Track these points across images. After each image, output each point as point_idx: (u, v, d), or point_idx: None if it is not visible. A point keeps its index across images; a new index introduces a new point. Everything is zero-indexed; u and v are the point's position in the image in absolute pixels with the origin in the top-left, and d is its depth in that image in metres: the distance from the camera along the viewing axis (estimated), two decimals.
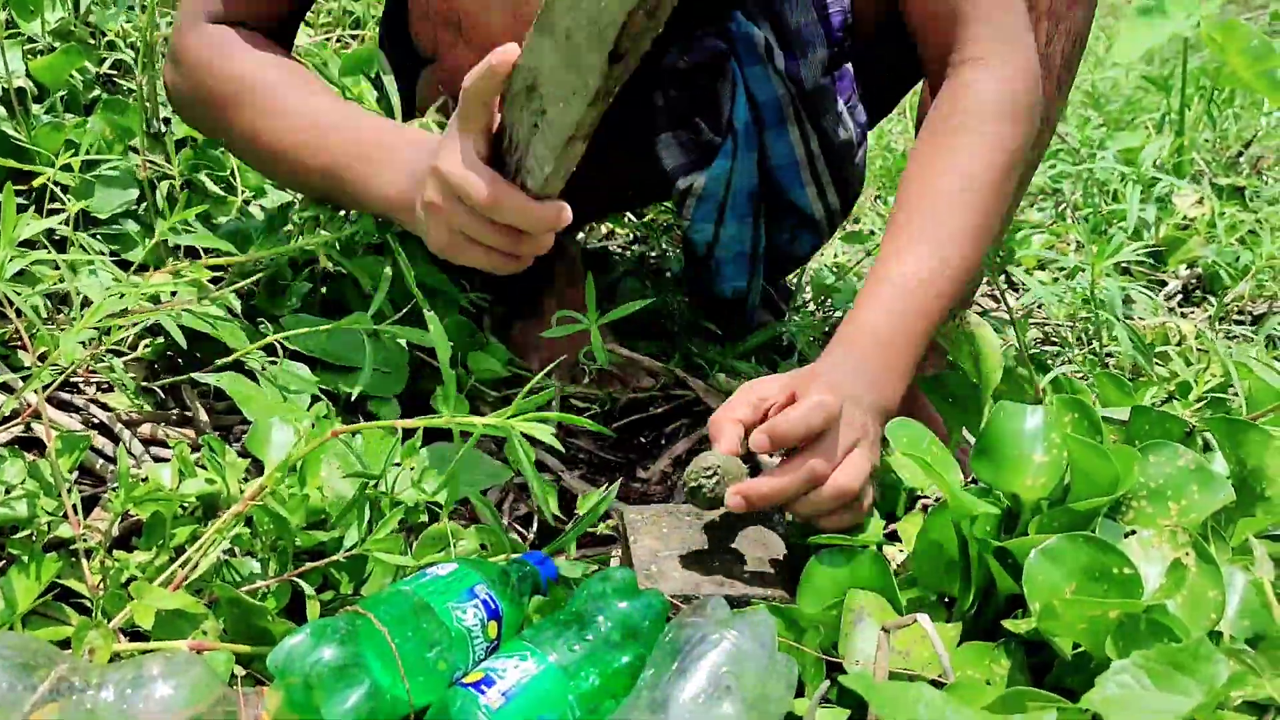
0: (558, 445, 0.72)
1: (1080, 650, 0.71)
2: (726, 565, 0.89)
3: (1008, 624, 0.75)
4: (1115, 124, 2.79)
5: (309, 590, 0.84)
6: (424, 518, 0.98)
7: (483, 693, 0.68)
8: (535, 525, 1.10)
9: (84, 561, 0.82)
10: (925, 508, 1.02)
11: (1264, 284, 1.94)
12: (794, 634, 0.78)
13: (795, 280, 1.64)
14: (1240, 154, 2.71)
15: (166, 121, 1.40)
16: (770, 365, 1.43)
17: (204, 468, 0.94)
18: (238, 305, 1.08)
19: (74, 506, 0.83)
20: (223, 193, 1.28)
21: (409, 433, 1.01)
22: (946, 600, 0.88)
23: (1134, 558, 0.74)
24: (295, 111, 1.05)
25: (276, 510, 0.84)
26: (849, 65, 1.26)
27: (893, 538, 0.94)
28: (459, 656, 0.71)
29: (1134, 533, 0.79)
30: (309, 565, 0.85)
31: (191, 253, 1.18)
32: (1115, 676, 0.59)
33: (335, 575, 0.88)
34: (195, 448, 1.06)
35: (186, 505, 0.91)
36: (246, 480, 0.92)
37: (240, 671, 0.79)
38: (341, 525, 0.88)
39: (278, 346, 1.08)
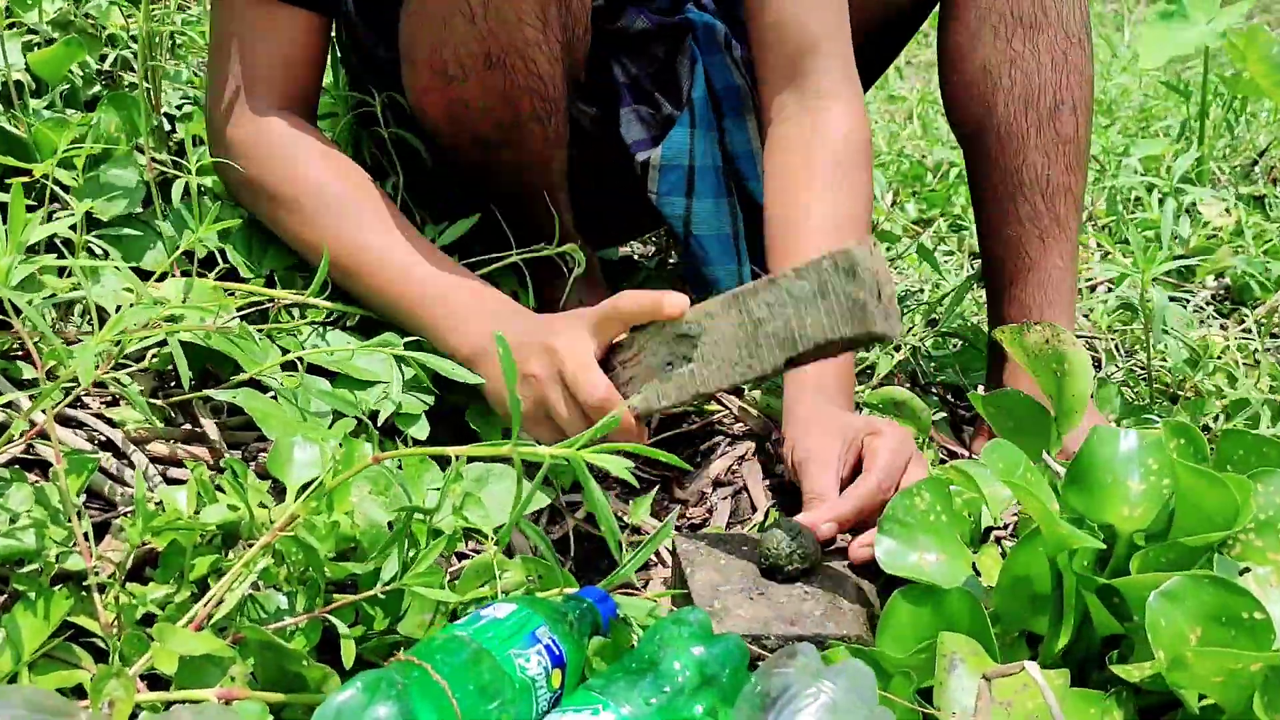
0: (632, 479, 0.65)
1: (1207, 703, 0.65)
2: (795, 601, 0.82)
3: (1119, 669, 0.69)
4: (1128, 132, 2.75)
5: (343, 629, 0.76)
6: (460, 545, 0.91)
7: None
8: (572, 551, 1.03)
9: (96, 597, 0.75)
10: (999, 540, 0.95)
11: None
12: (880, 680, 0.71)
13: None
14: (1255, 163, 2.67)
15: (171, 119, 1.33)
16: None
17: (223, 491, 0.87)
18: (255, 334, 1.01)
19: (85, 535, 0.76)
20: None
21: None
22: (1029, 637, 0.82)
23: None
24: (364, 240, 1.05)
25: (306, 540, 0.77)
26: None
27: None
28: (523, 710, 0.64)
29: (1247, 570, 0.73)
30: (341, 600, 0.78)
31: (205, 259, 1.11)
32: None
33: (369, 610, 0.81)
34: (212, 468, 0.99)
35: (205, 534, 0.84)
36: (266, 507, 0.85)
37: None
38: (374, 555, 0.81)
39: (297, 360, 1.01)
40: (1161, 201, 1.89)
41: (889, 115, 3.21)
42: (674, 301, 0.88)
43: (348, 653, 0.75)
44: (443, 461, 1.03)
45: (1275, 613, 0.68)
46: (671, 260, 1.72)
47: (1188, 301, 1.94)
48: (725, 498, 1.13)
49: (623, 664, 0.67)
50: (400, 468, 0.90)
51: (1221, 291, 2.03)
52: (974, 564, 0.86)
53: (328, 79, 1.32)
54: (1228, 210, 2.13)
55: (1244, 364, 1.52)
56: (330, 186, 1.06)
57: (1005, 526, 0.98)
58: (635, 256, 1.79)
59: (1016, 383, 1.18)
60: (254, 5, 1.08)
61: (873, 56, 1.42)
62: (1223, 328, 1.73)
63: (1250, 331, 1.70)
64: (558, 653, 0.67)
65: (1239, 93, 2.47)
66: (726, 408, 1.22)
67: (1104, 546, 0.72)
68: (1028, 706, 0.68)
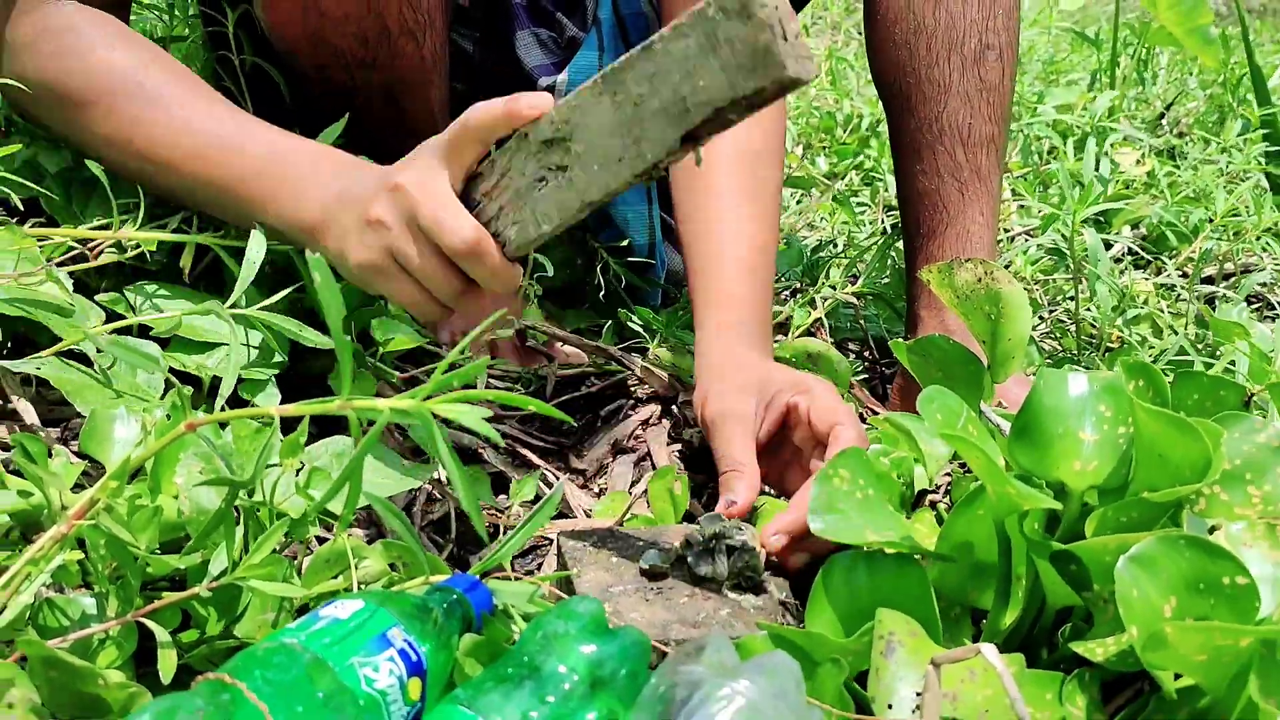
0: (494, 435, 0.53)
1: (1184, 684, 0.56)
2: (697, 600, 0.71)
3: (1080, 648, 0.59)
4: (1040, 82, 2.70)
5: (162, 635, 0.63)
6: (315, 532, 0.78)
7: None
8: (454, 532, 0.91)
9: None
10: (933, 504, 0.86)
11: (1216, 246, 1.84)
12: (807, 668, 0.60)
13: None
14: (1163, 115, 2.64)
15: None
16: None
17: (22, 476, 0.72)
18: (69, 285, 0.86)
19: None
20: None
21: (292, 425, 0.81)
22: (972, 612, 0.72)
23: None
24: (183, 119, 0.88)
25: (115, 531, 0.63)
26: None
27: None
28: None
29: (1216, 528, 0.64)
30: (162, 600, 0.65)
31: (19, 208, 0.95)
32: None
33: (201, 611, 0.67)
34: (5, 448, 0.83)
35: None
36: (83, 491, 0.71)
37: None
38: (206, 547, 0.67)
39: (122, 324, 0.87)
40: (1080, 147, 1.82)
41: None
42: (532, 101, 0.73)
43: (165, 665, 0.61)
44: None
45: (1255, 577, 0.59)
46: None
47: (1106, 250, 1.89)
48: (627, 466, 1.02)
49: (497, 668, 0.55)
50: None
51: (1138, 241, 1.98)
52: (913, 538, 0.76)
53: None
54: (1140, 160, 2.08)
55: (1169, 312, 1.46)
56: (133, 71, 0.89)
57: (939, 489, 0.89)
58: None
59: (965, 336, 1.09)
60: None
61: None
62: (1144, 277, 1.67)
63: (1171, 281, 1.65)
64: (415, 658, 0.54)
65: (1150, 42, 2.43)
66: (629, 369, 1.10)
67: (1059, 506, 0.63)
68: (977, 697, 0.58)
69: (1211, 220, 1.84)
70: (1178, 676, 0.56)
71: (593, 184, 0.72)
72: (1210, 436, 0.61)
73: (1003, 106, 1.14)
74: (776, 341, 1.18)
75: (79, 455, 0.81)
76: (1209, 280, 1.86)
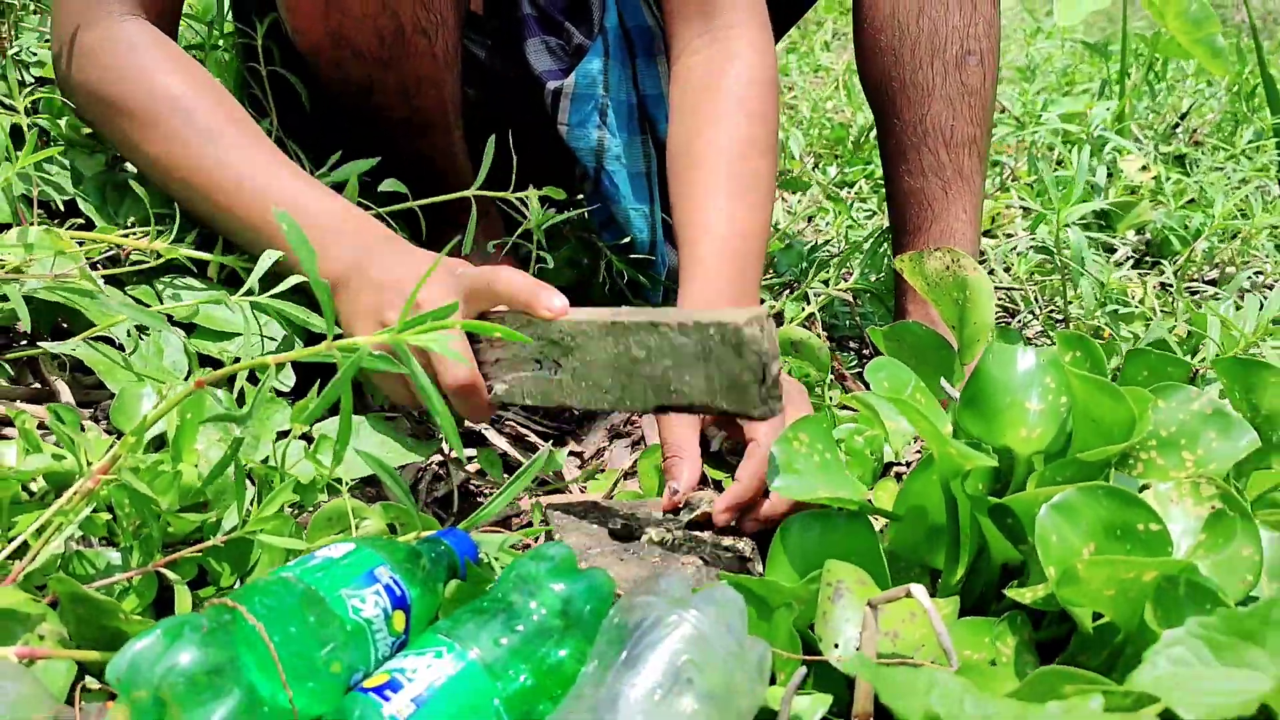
0: (462, 359, 0.59)
1: (1101, 621, 0.60)
2: (669, 560, 0.77)
3: (1012, 593, 0.64)
4: (1052, 93, 2.73)
5: (177, 580, 0.69)
6: (323, 498, 0.84)
7: (387, 699, 0.55)
8: (455, 508, 0.97)
9: None
10: (899, 476, 0.91)
11: (1217, 248, 1.88)
12: (763, 613, 0.66)
13: None
14: (1177, 124, 2.67)
15: (26, 66, 1.24)
16: None
17: (58, 444, 0.79)
18: (100, 285, 0.93)
19: None
20: (91, 141, 1.12)
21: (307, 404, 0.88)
22: (930, 573, 0.77)
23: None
24: (224, 154, 0.95)
25: (137, 488, 0.70)
26: None
27: None
28: (357, 655, 0.58)
29: (1147, 487, 0.68)
30: (178, 554, 0.71)
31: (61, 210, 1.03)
32: (1168, 650, 0.48)
33: (215, 567, 0.74)
34: (44, 428, 0.91)
35: (34, 490, 0.77)
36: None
37: (94, 685, 0.65)
38: (218, 505, 0.74)
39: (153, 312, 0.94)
40: (1091, 154, 1.86)
41: (815, 84, 3.17)
42: (551, 304, 0.79)
43: (182, 604, 0.68)
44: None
45: (1175, 530, 0.64)
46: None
47: (1110, 254, 1.93)
48: (623, 449, 1.07)
49: (475, 604, 0.61)
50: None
51: (1141, 246, 2.01)
52: (871, 500, 0.82)
53: (208, 7, 1.24)
54: (1146, 167, 2.11)
55: (1161, 311, 1.49)
56: (186, 99, 0.96)
57: (909, 464, 0.94)
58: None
59: (936, 321, 1.14)
60: None
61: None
62: (1142, 278, 1.70)
63: (1170, 283, 1.68)
64: (400, 593, 0.60)
65: (1159, 52, 2.46)
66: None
67: (995, 463, 0.68)
68: (915, 635, 0.63)
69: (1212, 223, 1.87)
70: (1097, 618, 0.61)
71: (576, 394, 0.80)
72: (1136, 401, 0.66)
73: (984, 109, 1.19)
74: None
75: (109, 431, 0.88)
76: (1213, 282, 1.90)
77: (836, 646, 0.63)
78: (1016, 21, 4.45)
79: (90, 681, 0.65)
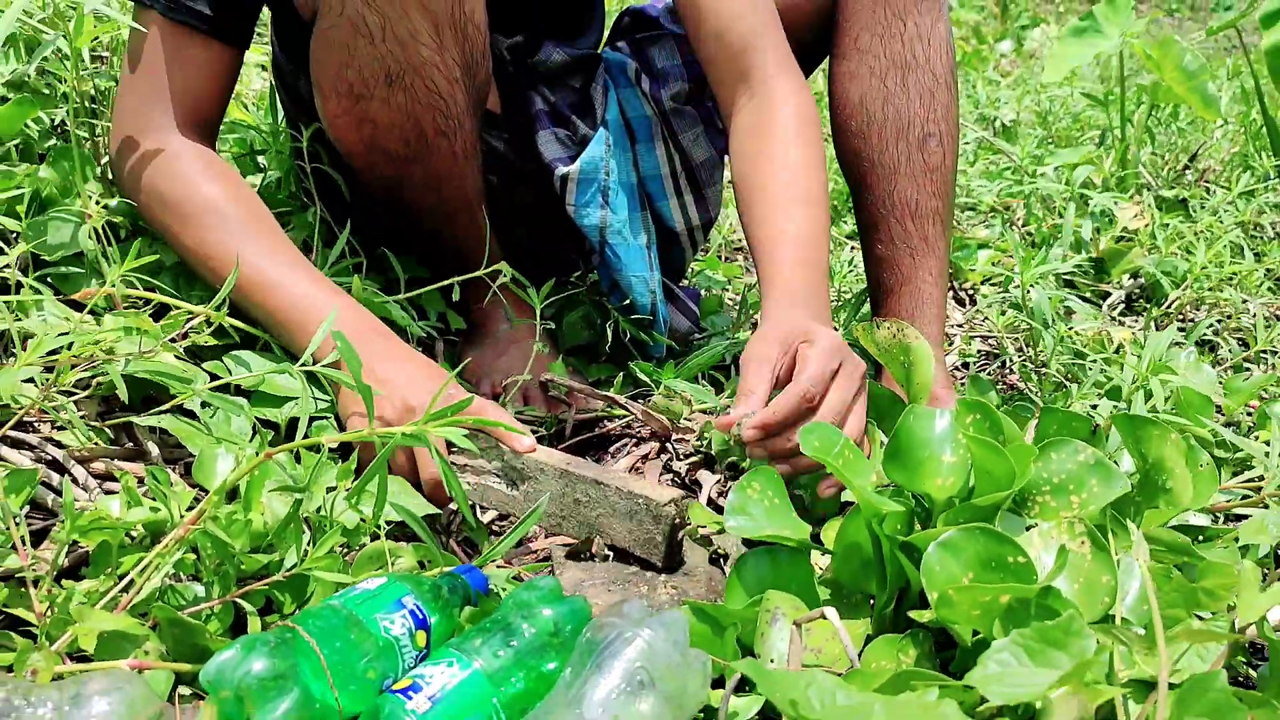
0: (472, 447, 0.76)
1: (979, 637, 0.75)
2: (651, 589, 0.93)
3: (913, 614, 0.79)
4: (1063, 141, 2.86)
5: (250, 609, 0.87)
6: (366, 539, 1.01)
7: (409, 698, 0.71)
8: (481, 549, 1.13)
9: (31, 591, 0.85)
10: None
11: (1202, 292, 2.00)
12: (716, 631, 0.81)
13: (736, 300, 1.68)
14: (1186, 167, 2.79)
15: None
16: (714, 384, 1.47)
17: (151, 497, 0.97)
18: (177, 362, 1.11)
19: (22, 539, 0.86)
20: None
21: (349, 457, 1.05)
22: (871, 600, 0.92)
23: (1032, 548, 0.78)
24: (250, 252, 1.13)
25: (217, 534, 0.87)
26: (709, 100, 1.48)
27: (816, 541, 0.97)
28: (388, 665, 0.74)
29: (1032, 526, 0.83)
30: (251, 586, 0.89)
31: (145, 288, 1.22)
32: (996, 655, 0.63)
33: (279, 597, 0.91)
34: (144, 480, 1.09)
35: (135, 535, 0.94)
36: (191, 509, 0.96)
37: (185, 691, 0.82)
38: (281, 547, 0.91)
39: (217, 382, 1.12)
40: (1086, 203, 1.99)
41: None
42: (523, 443, 1.03)
43: (253, 627, 0.85)
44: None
45: (1050, 561, 0.79)
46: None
47: (1102, 300, 2.05)
48: None
49: (480, 625, 0.78)
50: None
51: (1136, 291, 2.13)
52: (818, 537, 0.97)
53: (261, 117, 1.43)
54: (1141, 213, 2.24)
55: (1134, 355, 1.62)
56: (221, 203, 1.15)
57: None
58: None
59: (891, 381, 1.29)
60: (170, 32, 1.16)
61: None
62: (1125, 324, 1.83)
63: (1148, 327, 1.81)
64: (421, 617, 0.77)
65: (1159, 100, 2.59)
66: (631, 412, 1.32)
67: (904, 510, 0.83)
68: (834, 651, 0.78)
69: (1204, 268, 1.99)
70: (977, 634, 0.76)
71: (524, 511, 1.03)
72: (1018, 457, 0.81)
73: (945, 184, 1.34)
74: None
75: (191, 485, 1.06)
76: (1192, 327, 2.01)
77: (772, 660, 0.78)
78: (1044, 63, 4.56)
79: (183, 689, 0.82)
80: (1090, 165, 2.22)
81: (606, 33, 1.57)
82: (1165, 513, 0.90)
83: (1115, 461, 0.90)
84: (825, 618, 0.75)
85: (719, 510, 1.18)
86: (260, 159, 1.46)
